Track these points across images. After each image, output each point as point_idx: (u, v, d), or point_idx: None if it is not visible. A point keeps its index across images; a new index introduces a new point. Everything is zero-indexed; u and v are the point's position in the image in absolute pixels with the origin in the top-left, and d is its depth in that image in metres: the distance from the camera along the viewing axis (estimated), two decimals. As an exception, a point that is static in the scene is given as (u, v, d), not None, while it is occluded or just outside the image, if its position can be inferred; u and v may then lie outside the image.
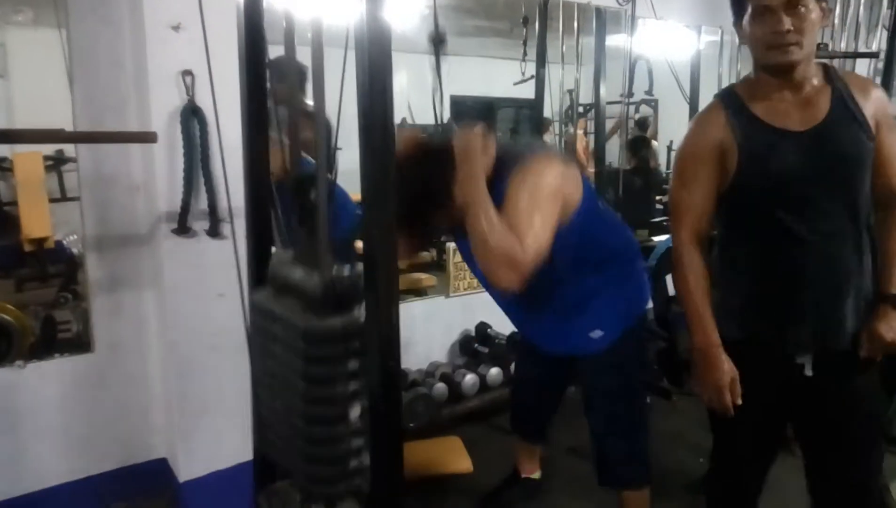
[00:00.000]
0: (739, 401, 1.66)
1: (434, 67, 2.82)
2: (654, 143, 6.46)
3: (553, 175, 1.77)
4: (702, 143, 1.67)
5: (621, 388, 2.17)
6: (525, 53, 4.13)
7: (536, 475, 2.67)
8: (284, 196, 1.65)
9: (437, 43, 2.87)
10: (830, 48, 3.96)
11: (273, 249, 1.61)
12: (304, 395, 1.31)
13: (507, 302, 2.12)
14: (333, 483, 1.34)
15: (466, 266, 3.31)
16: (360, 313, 1.32)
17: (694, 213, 1.69)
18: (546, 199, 1.73)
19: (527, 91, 4.43)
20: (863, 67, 4.16)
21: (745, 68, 4.79)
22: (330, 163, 1.39)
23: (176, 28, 2.19)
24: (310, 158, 1.71)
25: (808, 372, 1.66)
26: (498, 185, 1.74)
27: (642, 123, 6.55)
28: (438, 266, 4.12)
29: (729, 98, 1.73)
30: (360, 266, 1.32)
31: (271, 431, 1.50)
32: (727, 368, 1.65)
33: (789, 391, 1.70)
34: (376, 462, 1.34)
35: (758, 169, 1.60)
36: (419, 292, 3.64)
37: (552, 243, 1.72)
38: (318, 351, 1.30)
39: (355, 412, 1.32)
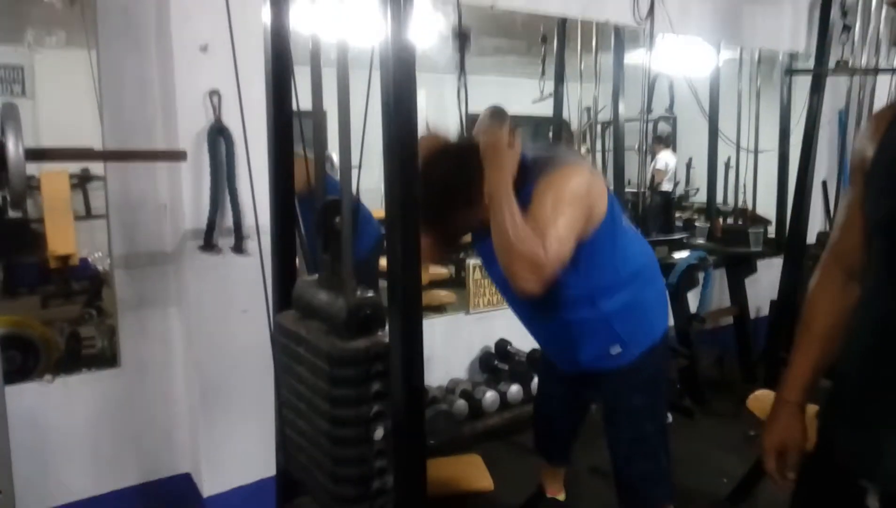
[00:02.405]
0: (792, 476, 1.33)
1: (458, 87, 2.85)
2: (673, 159, 6.42)
3: (580, 183, 1.76)
4: (855, 149, 1.31)
5: (644, 408, 2.15)
6: (543, 72, 4.16)
7: (561, 496, 2.65)
8: (307, 211, 1.68)
9: (462, 62, 2.91)
10: (851, 64, 3.95)
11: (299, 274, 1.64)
12: (329, 416, 1.34)
13: (526, 314, 2.10)
14: (357, 503, 1.35)
15: (486, 281, 3.32)
16: (384, 335, 1.34)
17: (841, 233, 1.33)
18: (571, 205, 1.72)
19: (545, 109, 4.46)
20: (884, 83, 4.14)
21: (765, 85, 4.80)
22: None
23: (203, 49, 2.24)
24: (334, 176, 1.73)
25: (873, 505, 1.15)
26: (524, 189, 1.74)
27: (661, 139, 6.52)
28: (458, 283, 4.13)
29: None
30: (382, 288, 1.35)
31: (296, 450, 1.52)
32: (785, 432, 1.34)
33: None
34: (400, 478, 1.35)
35: (876, 189, 1.19)
36: (439, 308, 3.65)
37: (574, 253, 1.72)
38: (342, 374, 1.32)
39: (379, 433, 1.34)
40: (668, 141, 6.64)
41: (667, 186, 6.00)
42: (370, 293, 1.38)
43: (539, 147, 1.96)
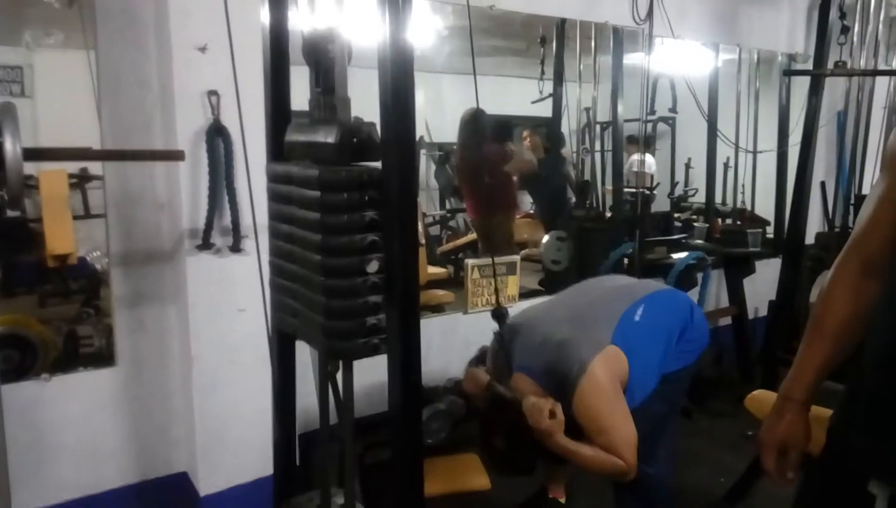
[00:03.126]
0: (791, 476, 1.31)
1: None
2: (650, 159, 6.22)
3: (605, 380, 1.99)
4: (891, 142, 1.26)
5: (663, 414, 2.19)
6: (543, 72, 4.17)
7: (562, 498, 2.65)
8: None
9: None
10: (850, 65, 3.95)
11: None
12: (321, 246, 1.28)
13: None
14: (352, 338, 1.31)
15: (484, 280, 3.33)
16: (377, 164, 1.29)
17: (866, 227, 1.27)
18: (611, 402, 1.99)
19: (544, 109, 4.46)
20: (883, 84, 4.15)
21: (764, 85, 4.80)
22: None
23: (202, 49, 2.24)
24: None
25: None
26: (564, 402, 1.99)
27: (632, 139, 5.89)
28: (456, 283, 4.13)
29: None
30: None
31: (288, 299, 1.46)
32: (787, 431, 1.29)
33: None
34: (397, 475, 1.35)
35: None
36: (437, 308, 3.65)
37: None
38: (333, 199, 1.26)
39: (372, 265, 1.29)
40: (649, 142, 6.39)
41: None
42: (363, 120, 1.31)
43: (532, 348, 2.17)
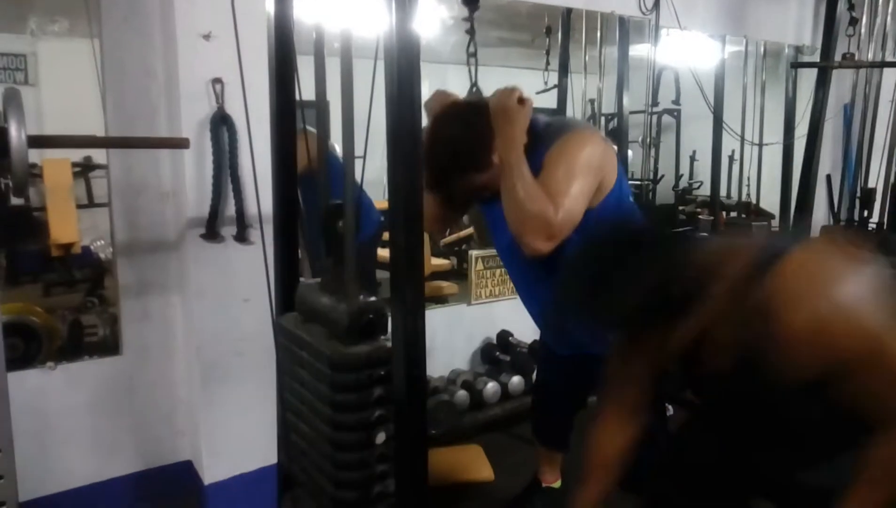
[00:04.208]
0: None
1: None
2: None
3: (593, 152, 1.75)
4: None
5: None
6: (548, 63, 4.14)
7: (557, 484, 2.65)
8: (308, 191, 1.68)
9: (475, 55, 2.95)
10: (857, 57, 3.93)
11: (301, 279, 1.65)
12: (331, 421, 1.35)
13: (527, 283, 2.07)
14: (358, 507, 1.37)
15: (488, 272, 3.32)
16: (386, 340, 1.35)
17: None
18: (584, 170, 1.72)
19: (549, 101, 4.44)
20: (890, 78, 4.12)
21: (770, 78, 4.77)
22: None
23: (206, 37, 2.23)
24: (337, 151, 1.71)
25: None
26: (536, 152, 1.73)
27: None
28: (460, 274, 4.13)
29: None
30: (384, 279, 1.36)
31: (297, 452, 1.54)
32: None
33: None
34: (401, 466, 1.35)
35: None
36: (441, 299, 3.65)
37: (581, 221, 1.71)
38: (344, 379, 1.33)
39: (380, 437, 1.35)
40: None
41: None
42: (373, 298, 1.38)
43: (551, 116, 1.93)
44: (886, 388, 1.10)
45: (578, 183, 1.70)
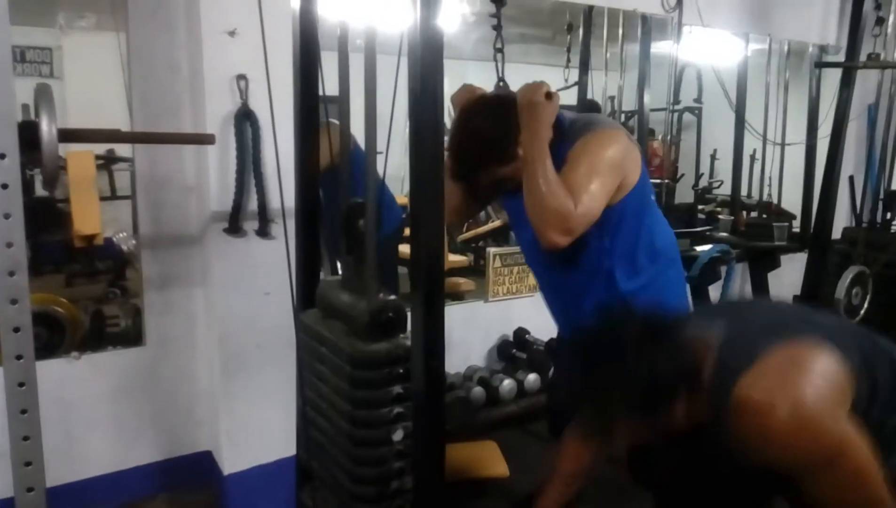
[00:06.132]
0: None
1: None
2: None
3: (617, 148, 1.77)
4: None
5: None
6: (569, 60, 4.13)
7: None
8: (329, 187, 1.69)
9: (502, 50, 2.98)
10: (883, 57, 3.87)
11: (321, 274, 1.66)
12: (350, 417, 1.37)
13: (547, 277, 2.08)
14: (375, 503, 1.39)
15: (506, 269, 3.32)
16: (405, 338, 1.37)
17: None
18: (606, 168, 1.73)
19: (569, 98, 4.43)
20: (916, 78, 4.06)
21: (794, 77, 4.72)
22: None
23: (231, 33, 2.26)
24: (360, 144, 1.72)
25: None
26: (560, 148, 1.74)
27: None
28: (478, 271, 4.14)
29: None
30: (402, 275, 1.37)
31: (317, 447, 1.56)
32: None
33: None
34: (419, 461, 1.36)
35: None
36: (458, 296, 3.66)
37: (601, 215, 1.72)
38: (363, 376, 1.35)
39: (398, 434, 1.37)
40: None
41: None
42: (392, 296, 1.40)
43: (578, 113, 1.94)
44: (844, 488, 1.22)
45: (599, 181, 1.71)
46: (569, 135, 1.78)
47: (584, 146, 1.74)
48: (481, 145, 1.77)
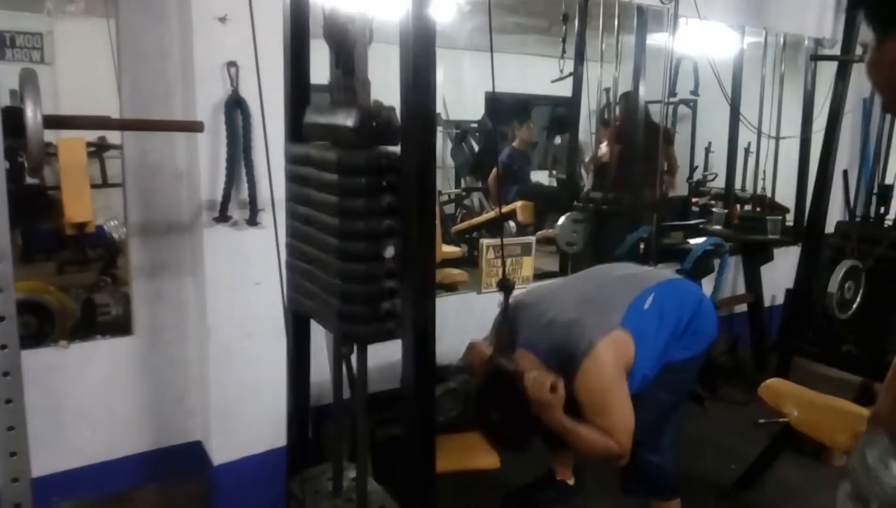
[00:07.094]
0: None
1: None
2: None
3: (609, 362, 2.01)
4: None
5: (671, 404, 2.18)
6: (564, 51, 4.10)
7: (570, 480, 2.66)
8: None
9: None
10: None
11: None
12: (338, 230, 1.28)
13: None
14: (366, 322, 1.31)
15: (499, 260, 3.32)
16: (396, 148, 1.28)
17: None
18: (613, 385, 2.00)
19: (564, 89, 4.41)
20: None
21: (789, 70, 4.72)
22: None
23: (222, 20, 2.23)
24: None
25: None
26: (566, 382, 1.99)
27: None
28: (471, 262, 4.13)
29: None
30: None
31: (302, 280, 1.46)
32: None
33: None
34: (410, 452, 1.36)
35: None
36: (451, 287, 3.65)
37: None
38: (351, 183, 1.26)
39: (389, 251, 1.29)
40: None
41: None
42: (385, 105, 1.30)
43: (538, 326, 2.17)
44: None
45: (614, 398, 2.00)
46: (564, 367, 2.03)
47: (586, 384, 2.00)
48: (507, 441, 2.13)
